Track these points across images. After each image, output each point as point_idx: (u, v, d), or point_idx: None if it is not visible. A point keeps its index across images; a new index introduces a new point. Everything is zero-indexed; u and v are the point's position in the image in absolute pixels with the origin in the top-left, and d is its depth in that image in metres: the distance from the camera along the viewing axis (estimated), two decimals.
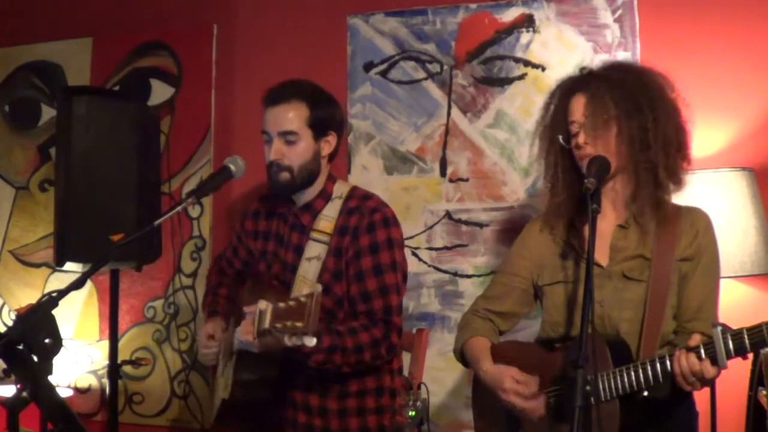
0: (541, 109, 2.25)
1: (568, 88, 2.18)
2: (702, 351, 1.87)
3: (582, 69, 2.22)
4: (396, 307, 2.38)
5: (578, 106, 2.11)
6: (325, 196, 2.44)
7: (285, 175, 2.36)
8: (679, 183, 2.12)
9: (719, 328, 1.85)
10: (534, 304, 2.33)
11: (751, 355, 2.46)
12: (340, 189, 2.47)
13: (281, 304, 1.88)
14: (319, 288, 1.86)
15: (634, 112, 2.05)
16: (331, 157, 2.48)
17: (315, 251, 2.40)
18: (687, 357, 1.88)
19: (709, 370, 1.86)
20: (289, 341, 1.85)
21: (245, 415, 2.45)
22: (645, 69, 2.17)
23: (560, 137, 2.13)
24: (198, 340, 2.51)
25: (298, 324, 1.81)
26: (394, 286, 2.37)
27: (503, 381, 2.11)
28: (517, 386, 2.09)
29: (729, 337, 1.83)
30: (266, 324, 1.92)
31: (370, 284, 2.35)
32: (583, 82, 2.16)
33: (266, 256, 2.54)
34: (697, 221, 2.14)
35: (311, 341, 1.83)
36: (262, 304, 2.00)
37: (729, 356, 1.84)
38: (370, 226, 2.38)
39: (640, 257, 2.12)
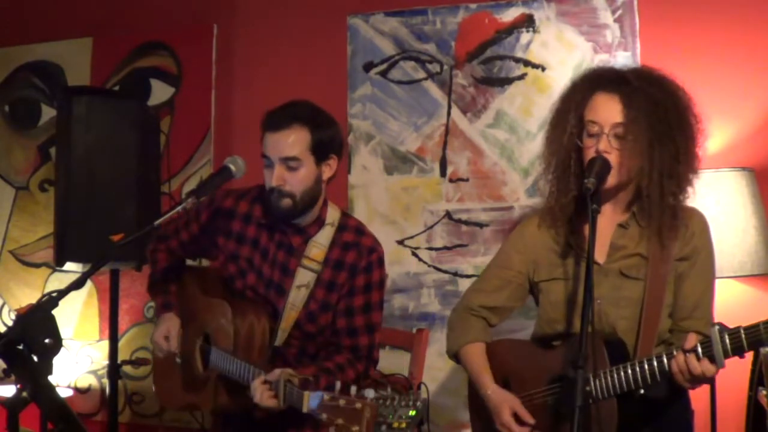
0: (559, 98, 2.19)
1: (593, 83, 2.13)
2: (699, 350, 1.87)
3: (611, 69, 2.18)
4: (378, 345, 2.46)
5: (604, 109, 2.06)
6: (320, 222, 2.44)
7: (287, 202, 2.34)
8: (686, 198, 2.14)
9: (717, 327, 1.85)
10: (526, 299, 2.33)
11: (751, 355, 2.48)
12: (332, 215, 2.46)
13: (325, 396, 1.91)
14: (372, 394, 1.86)
15: (666, 140, 2.04)
16: (330, 180, 2.47)
17: (305, 279, 2.40)
18: (686, 357, 1.88)
19: (708, 368, 1.87)
20: (332, 428, 1.90)
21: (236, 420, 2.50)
22: (676, 88, 2.11)
23: (578, 141, 2.10)
24: (155, 340, 2.52)
25: (354, 428, 1.85)
26: (378, 325, 2.44)
27: (502, 412, 2.13)
28: (512, 423, 2.11)
29: (726, 336, 1.84)
30: (303, 409, 1.99)
31: (358, 321, 2.40)
32: (611, 82, 2.09)
33: (238, 261, 2.49)
34: (694, 222, 2.14)
35: None
36: (286, 374, 2.11)
37: (726, 355, 1.85)
38: (368, 266, 2.41)
39: (637, 255, 2.12)
